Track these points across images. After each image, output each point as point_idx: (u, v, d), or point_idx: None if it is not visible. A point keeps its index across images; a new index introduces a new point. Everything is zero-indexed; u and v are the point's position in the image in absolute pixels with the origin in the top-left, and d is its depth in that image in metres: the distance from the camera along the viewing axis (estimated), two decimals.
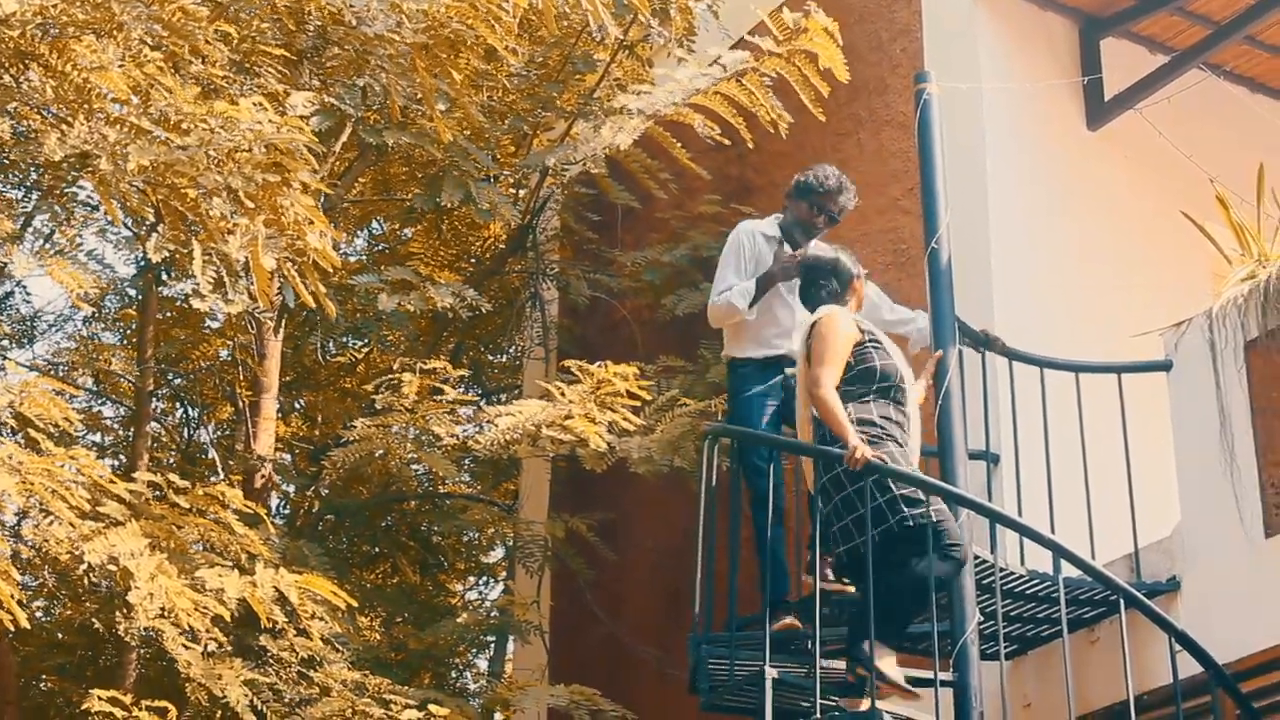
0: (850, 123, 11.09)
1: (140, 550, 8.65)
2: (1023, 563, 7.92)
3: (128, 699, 8.75)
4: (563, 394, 9.94)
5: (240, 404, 13.05)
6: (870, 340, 7.66)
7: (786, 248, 8.72)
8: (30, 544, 9.12)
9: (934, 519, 7.10)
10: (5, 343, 14.81)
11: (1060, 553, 7.08)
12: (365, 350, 15.55)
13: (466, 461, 14.02)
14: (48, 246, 12.15)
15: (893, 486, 7.20)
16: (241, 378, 13.03)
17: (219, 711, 10.55)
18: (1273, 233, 8.06)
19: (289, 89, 10.20)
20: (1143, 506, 7.91)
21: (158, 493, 9.53)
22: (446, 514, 14.00)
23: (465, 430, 10.52)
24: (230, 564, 9.26)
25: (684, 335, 11.52)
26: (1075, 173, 10.11)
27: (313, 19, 10.45)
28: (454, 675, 17.13)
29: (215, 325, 14.26)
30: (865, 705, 7.13)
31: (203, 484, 9.82)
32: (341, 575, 10.97)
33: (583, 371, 9.99)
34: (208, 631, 8.87)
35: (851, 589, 7.70)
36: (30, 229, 12.40)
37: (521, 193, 12.52)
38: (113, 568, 8.62)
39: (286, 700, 9.74)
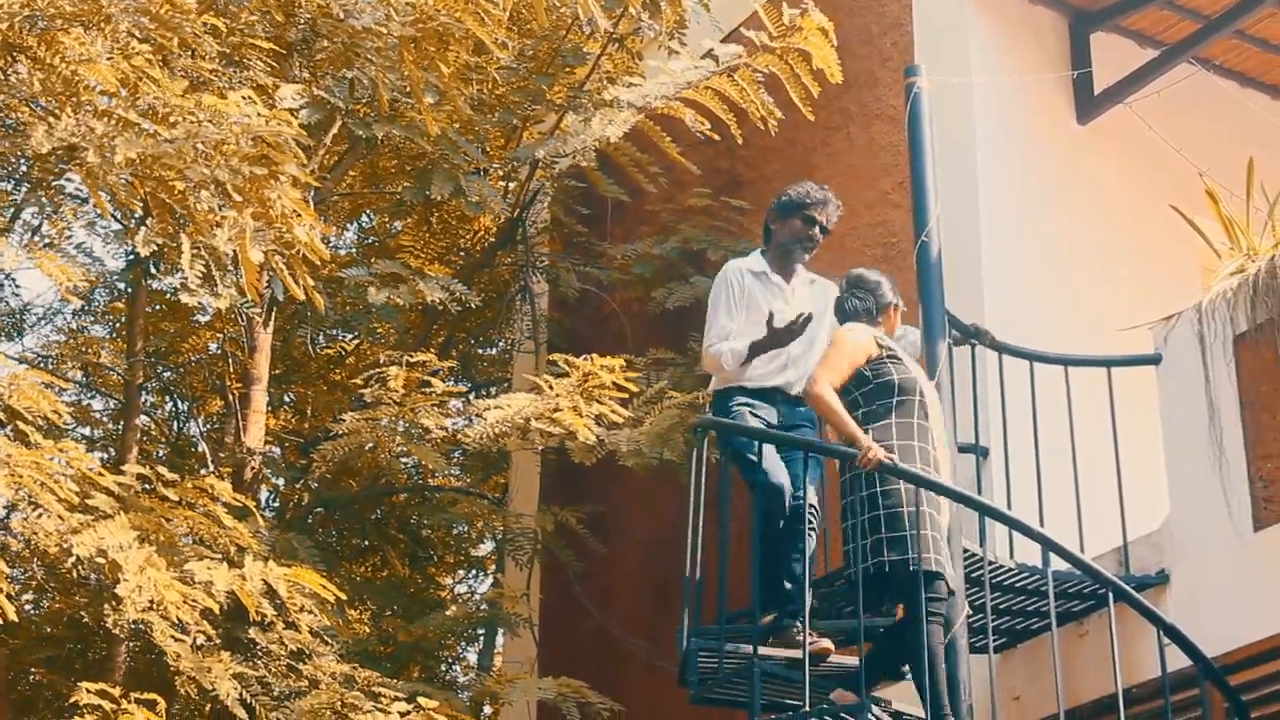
0: (840, 116, 11.09)
1: (129, 543, 8.64)
2: (1012, 556, 7.92)
3: (117, 692, 8.74)
4: (550, 387, 9.93)
5: (230, 397, 13.05)
6: (888, 355, 7.59)
7: (785, 308, 8.34)
8: (19, 537, 9.12)
9: (925, 566, 7.09)
10: None
11: (1049, 546, 7.07)
12: (355, 343, 15.55)
13: (456, 455, 14.01)
14: (36, 239, 12.14)
15: (881, 528, 7.18)
16: (231, 371, 13.03)
17: (208, 704, 10.56)
18: (1262, 227, 8.07)
19: (278, 82, 10.20)
20: (1132, 500, 7.91)
21: (147, 486, 9.52)
22: (436, 507, 14.02)
23: (455, 423, 10.52)
24: (219, 557, 9.26)
25: (674, 328, 11.51)
26: (1065, 167, 10.12)
27: (302, 12, 10.44)
28: (443, 668, 17.16)
29: (205, 319, 14.26)
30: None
31: (192, 477, 9.81)
32: (331, 568, 10.96)
33: (569, 364, 9.99)
34: (197, 624, 8.87)
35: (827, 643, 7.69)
36: (19, 221, 12.38)
37: (511, 186, 12.51)
38: (101, 560, 8.61)
39: (275, 693, 9.74)
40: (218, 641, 9.76)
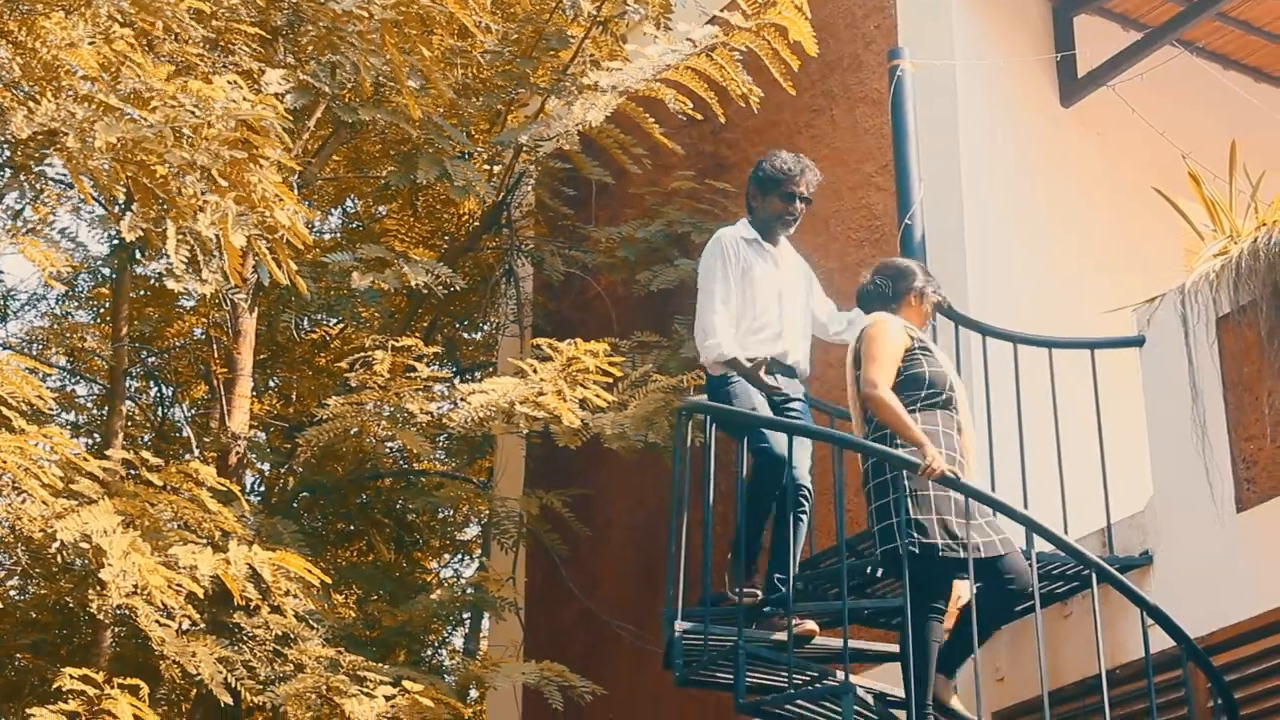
0: (824, 99, 11.09)
1: (113, 528, 8.64)
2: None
3: (101, 677, 8.73)
4: (535, 371, 9.93)
5: (214, 382, 13.03)
6: (920, 347, 7.57)
7: (775, 272, 8.33)
8: (3, 522, 9.10)
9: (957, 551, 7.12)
10: None
11: (1033, 527, 7.08)
12: (340, 328, 15.54)
13: (441, 439, 14.02)
14: (19, 224, 12.11)
15: (910, 510, 7.19)
16: (215, 356, 13.01)
17: (193, 689, 10.56)
18: (1244, 209, 8.07)
19: (263, 67, 10.18)
20: (1115, 481, 7.92)
21: (131, 471, 9.52)
22: (421, 491, 14.02)
23: (439, 407, 10.52)
24: (204, 541, 9.25)
25: (659, 311, 11.52)
26: (1048, 149, 10.13)
27: None
28: (428, 652, 17.18)
29: (189, 304, 14.24)
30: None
31: (176, 462, 9.80)
32: (316, 553, 10.96)
33: (554, 349, 9.99)
34: (181, 609, 8.86)
35: (811, 625, 7.69)
36: (1, 206, 12.36)
37: (495, 169, 12.50)
38: (86, 546, 8.61)
39: (260, 677, 9.74)
40: (202, 626, 9.76)
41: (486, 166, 12.53)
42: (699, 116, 10.99)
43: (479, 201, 12.04)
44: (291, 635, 9.74)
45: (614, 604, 11.80)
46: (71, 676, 8.63)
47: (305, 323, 14.88)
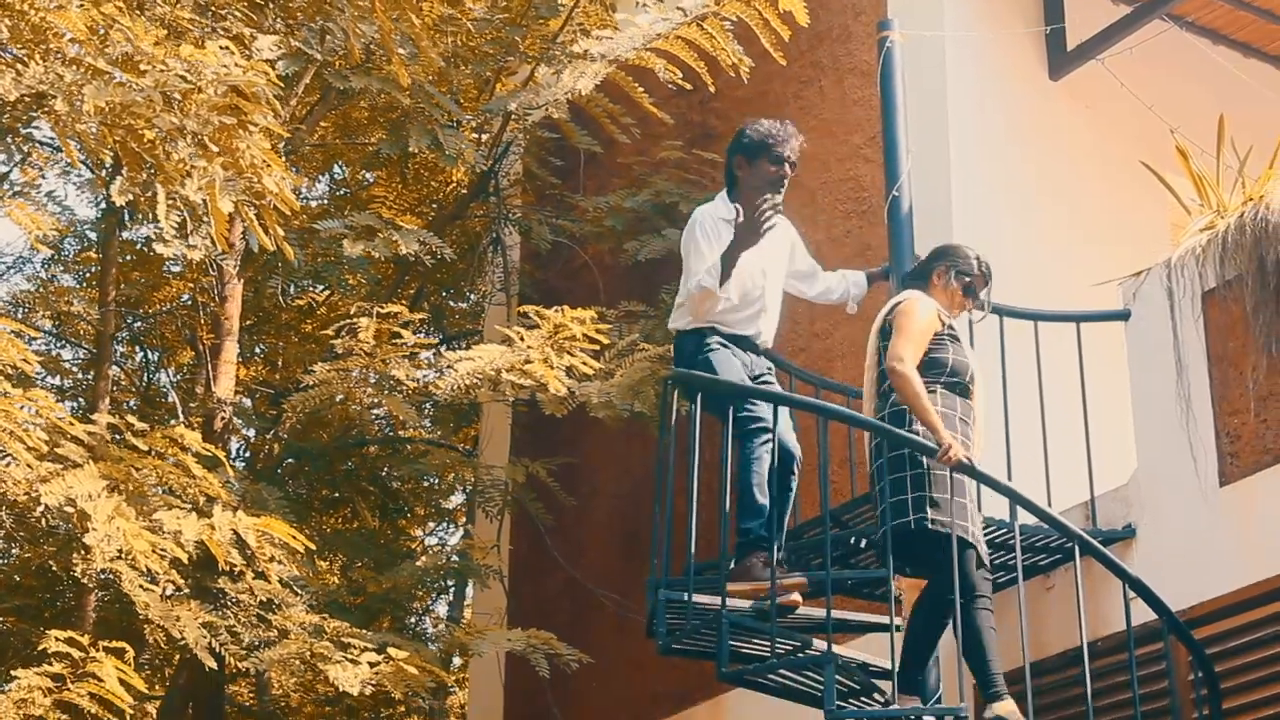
0: (813, 70, 11.08)
1: (98, 492, 8.63)
2: (979, 510, 7.94)
3: (86, 640, 8.74)
4: (522, 339, 9.93)
5: (200, 347, 13.02)
6: (949, 333, 7.56)
7: (756, 252, 8.04)
8: None
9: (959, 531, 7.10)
10: None
11: (1017, 500, 7.10)
12: (326, 294, 15.53)
13: (427, 406, 14.02)
14: (6, 187, 12.09)
15: (926, 487, 7.17)
16: (202, 321, 13.01)
17: (176, 653, 10.56)
18: (1231, 184, 8.08)
19: (254, 33, 10.16)
20: (1099, 455, 7.94)
21: (116, 435, 9.51)
22: (406, 459, 14.03)
23: (425, 375, 10.51)
24: (188, 507, 9.25)
25: (646, 280, 11.52)
26: (1037, 123, 10.13)
27: None
28: (413, 619, 17.20)
29: (176, 269, 14.23)
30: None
31: (162, 427, 9.80)
32: (301, 519, 10.97)
33: (541, 316, 9.99)
34: (165, 574, 8.86)
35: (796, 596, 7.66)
36: None
37: (484, 137, 12.48)
38: (70, 510, 8.60)
39: (245, 643, 9.75)
40: (187, 591, 9.77)
41: (475, 134, 12.51)
42: (689, 87, 10.98)
43: (467, 170, 12.03)
44: (276, 601, 9.74)
45: (598, 573, 11.83)
46: (56, 639, 8.64)
47: (292, 289, 14.86)
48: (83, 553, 8.81)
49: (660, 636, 7.58)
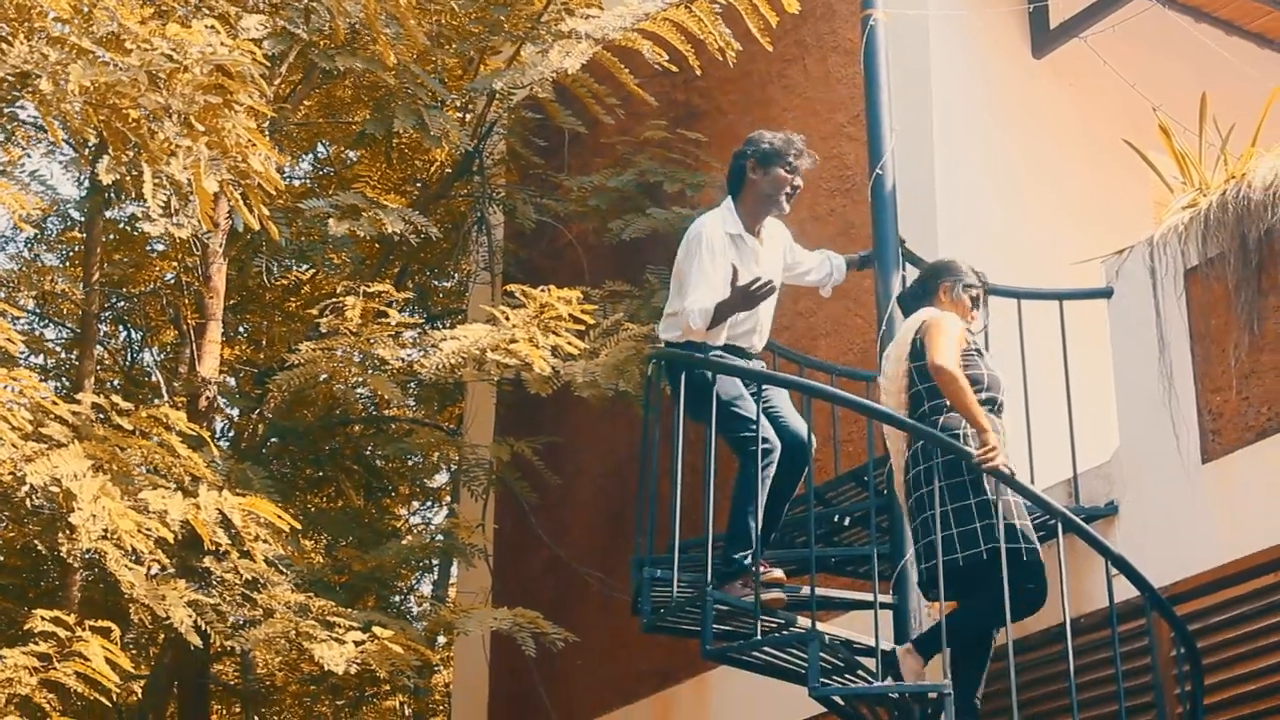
0: (797, 48, 11.09)
1: (83, 472, 8.63)
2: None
3: (71, 619, 8.75)
4: (507, 318, 9.94)
5: (185, 327, 13.02)
6: (975, 348, 7.54)
7: (758, 270, 7.87)
8: None
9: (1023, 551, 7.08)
10: None
11: (1000, 477, 7.11)
12: (311, 273, 15.53)
13: (412, 385, 14.03)
14: None
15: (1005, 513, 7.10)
16: (186, 300, 13.00)
17: (162, 633, 10.56)
18: (1214, 162, 8.10)
19: (240, 11, 10.15)
20: (1082, 432, 7.96)
21: (101, 415, 9.51)
22: (391, 438, 14.03)
23: (410, 354, 10.52)
24: (173, 486, 9.25)
25: (630, 260, 11.53)
26: (1020, 101, 10.14)
27: None
28: (398, 598, 17.21)
29: (160, 248, 14.22)
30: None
31: (146, 406, 9.80)
32: (286, 498, 10.97)
33: (526, 295, 9.99)
34: (151, 553, 8.87)
35: (778, 573, 7.61)
36: None
37: (468, 117, 12.48)
38: (55, 489, 8.60)
39: (230, 622, 9.76)
40: (172, 570, 9.77)
41: (459, 114, 12.51)
42: (674, 68, 10.98)
43: (452, 149, 12.03)
44: (261, 580, 9.75)
45: (583, 551, 11.85)
46: (42, 619, 8.64)
47: (276, 268, 14.86)
48: (68, 532, 8.81)
49: (644, 614, 7.60)
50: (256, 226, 9.18)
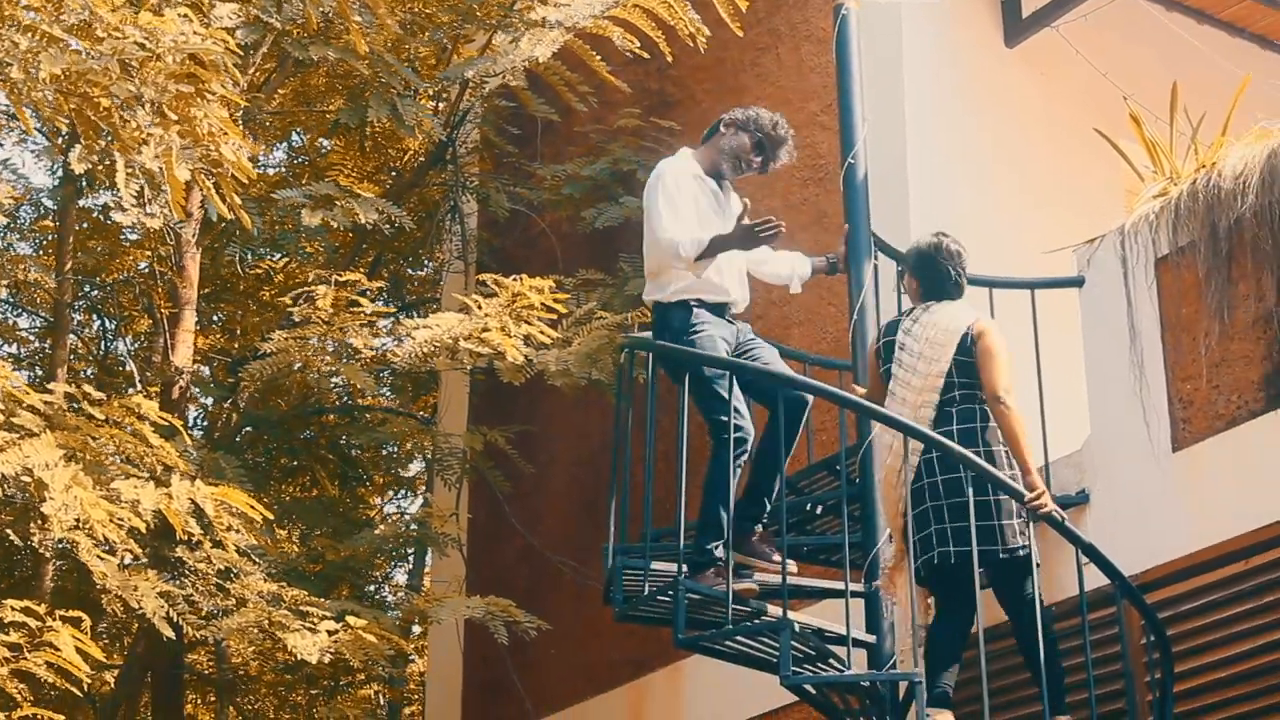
0: (769, 37, 11.09)
1: (55, 462, 8.60)
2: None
3: (43, 609, 8.73)
4: (480, 307, 9.94)
5: (158, 316, 12.99)
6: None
7: (736, 201, 7.90)
8: None
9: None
10: None
11: (970, 465, 7.13)
12: (284, 262, 15.50)
13: (385, 374, 14.02)
14: None
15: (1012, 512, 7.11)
16: (159, 289, 12.97)
17: (134, 623, 10.54)
18: (1184, 151, 8.12)
19: (213, 0, 10.12)
20: (1053, 420, 7.97)
21: (74, 404, 9.49)
22: (365, 427, 14.02)
23: (383, 343, 10.52)
24: (146, 476, 9.23)
25: (603, 248, 11.53)
26: (992, 90, 10.16)
27: None
28: (372, 588, 17.20)
29: (133, 237, 14.18)
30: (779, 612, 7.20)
31: (119, 396, 9.78)
32: (260, 488, 10.97)
33: (498, 285, 9.99)
34: (123, 543, 8.84)
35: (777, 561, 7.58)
36: None
37: (441, 105, 12.47)
38: (27, 479, 8.57)
39: (203, 612, 9.75)
40: (144, 560, 9.76)
41: (432, 102, 12.49)
42: (646, 55, 10.98)
43: (425, 138, 12.01)
44: (234, 570, 9.74)
45: (556, 540, 11.85)
46: (13, 609, 8.62)
47: (250, 257, 14.83)
48: (40, 522, 8.79)
49: (617, 603, 7.60)
50: (229, 215, 9.15)
